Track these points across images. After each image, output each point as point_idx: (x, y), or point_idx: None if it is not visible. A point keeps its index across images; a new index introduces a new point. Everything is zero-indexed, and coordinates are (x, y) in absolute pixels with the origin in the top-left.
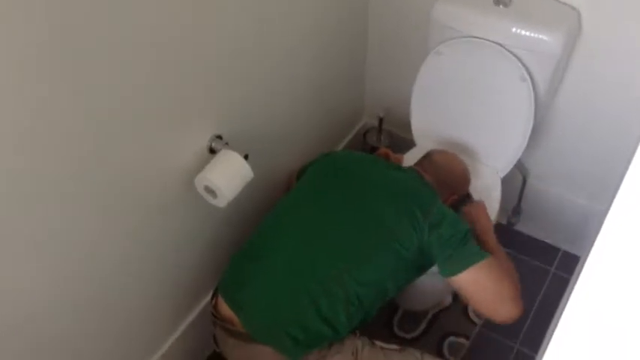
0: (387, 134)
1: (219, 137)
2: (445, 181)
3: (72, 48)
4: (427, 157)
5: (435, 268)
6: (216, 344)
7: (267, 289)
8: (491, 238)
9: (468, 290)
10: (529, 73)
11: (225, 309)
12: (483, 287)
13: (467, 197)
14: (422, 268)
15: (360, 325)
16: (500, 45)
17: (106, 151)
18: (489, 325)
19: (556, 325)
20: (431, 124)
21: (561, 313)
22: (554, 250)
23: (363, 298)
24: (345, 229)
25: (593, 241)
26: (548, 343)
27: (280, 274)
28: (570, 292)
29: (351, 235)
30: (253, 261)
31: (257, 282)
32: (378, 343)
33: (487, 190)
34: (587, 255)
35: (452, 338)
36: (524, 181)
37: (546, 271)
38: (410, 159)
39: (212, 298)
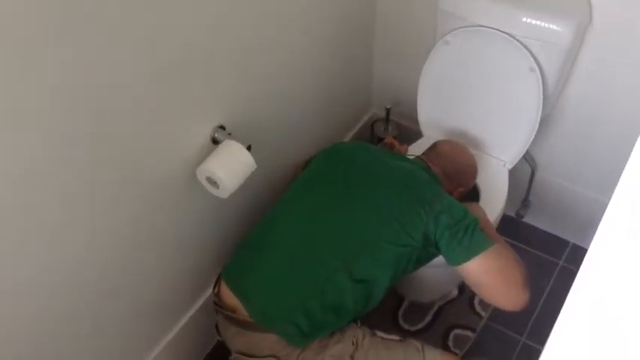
0: (394, 125)
1: (222, 127)
2: (451, 172)
3: (75, 38)
4: (434, 148)
5: (439, 260)
6: (219, 332)
7: (272, 277)
8: (492, 229)
9: (477, 278)
10: (538, 64)
11: (228, 297)
12: (493, 274)
13: (474, 189)
14: (427, 258)
15: (364, 313)
16: (510, 35)
17: (108, 142)
18: (495, 317)
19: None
20: (438, 115)
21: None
22: (564, 242)
23: (368, 284)
24: (350, 217)
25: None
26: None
27: (285, 262)
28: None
29: (356, 223)
30: (258, 249)
31: (262, 270)
32: (379, 333)
33: (495, 182)
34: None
35: (457, 331)
36: (533, 173)
37: (554, 264)
38: (416, 150)
39: (214, 287)
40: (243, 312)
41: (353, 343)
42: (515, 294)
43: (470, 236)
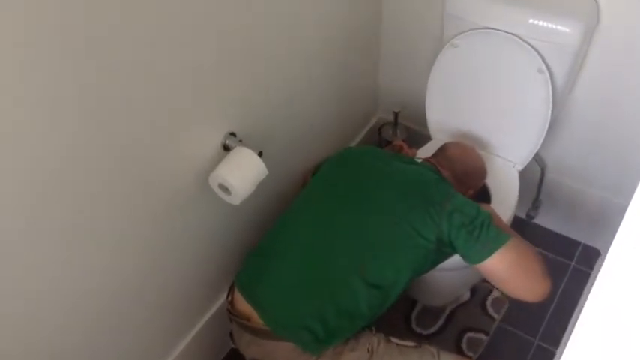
0: (403, 129)
1: (233, 134)
2: (461, 175)
3: (89, 49)
4: (442, 150)
5: (451, 263)
6: (233, 340)
7: (285, 284)
8: (504, 224)
9: (499, 273)
10: (547, 65)
11: (242, 305)
12: (514, 267)
13: (484, 192)
14: (441, 259)
15: (379, 316)
16: (517, 36)
17: (121, 152)
18: (508, 319)
19: (576, 320)
20: (447, 118)
21: (582, 308)
22: (575, 243)
23: (382, 288)
24: (361, 221)
25: (614, 236)
26: (568, 338)
27: (298, 268)
28: (591, 287)
29: (368, 227)
30: (271, 256)
31: (275, 277)
32: (394, 339)
33: (505, 184)
34: (607, 250)
35: (470, 334)
36: (543, 174)
37: (566, 265)
38: (425, 153)
39: (228, 295)
40: (257, 319)
41: (368, 350)
42: (537, 284)
43: (486, 233)
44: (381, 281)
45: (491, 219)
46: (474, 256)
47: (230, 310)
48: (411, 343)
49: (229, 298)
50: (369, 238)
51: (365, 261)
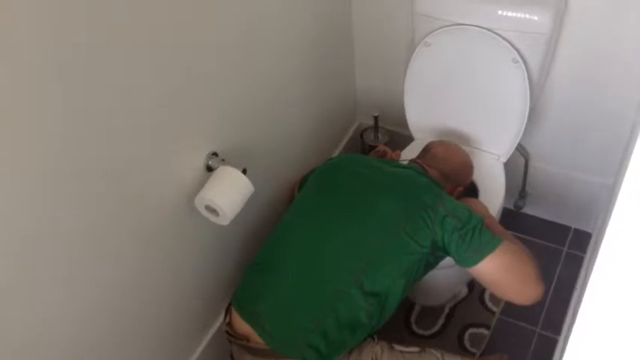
0: (384, 132)
1: (215, 154)
2: (448, 173)
3: (66, 72)
4: (427, 150)
5: (446, 262)
6: None
7: (283, 300)
8: (497, 225)
9: (491, 277)
10: (520, 55)
11: (240, 325)
12: (506, 271)
13: (472, 186)
14: (436, 262)
15: (379, 326)
16: (488, 29)
17: (103, 178)
18: (508, 311)
19: (575, 306)
20: (427, 117)
21: (580, 293)
22: (565, 229)
23: (380, 296)
24: (355, 231)
25: (607, 218)
26: (570, 325)
27: (295, 283)
28: (587, 270)
29: (362, 236)
30: (266, 273)
31: (272, 293)
32: (397, 346)
33: (491, 176)
34: (601, 232)
35: (472, 329)
36: (527, 164)
37: (559, 251)
38: (409, 154)
39: (225, 316)
40: (257, 339)
41: None
42: (529, 288)
43: (479, 237)
44: (377, 288)
45: (483, 222)
46: (466, 260)
47: (229, 332)
48: (414, 349)
49: (227, 320)
50: (364, 247)
51: (360, 270)
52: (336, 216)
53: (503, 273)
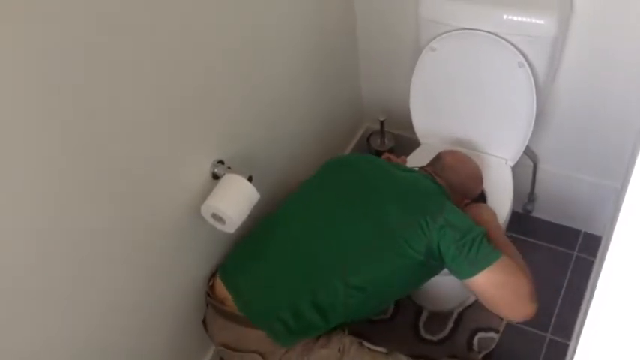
0: (390, 136)
1: (221, 162)
2: (457, 184)
3: (72, 81)
4: (438, 160)
5: None
6: (205, 327)
7: (267, 276)
8: (501, 235)
9: (484, 291)
10: (526, 59)
11: (221, 289)
12: (499, 287)
13: (480, 198)
14: (434, 270)
15: (355, 320)
16: (494, 34)
17: (109, 188)
18: None
19: (585, 310)
20: (433, 122)
21: (590, 297)
22: (575, 232)
23: (363, 292)
24: (351, 227)
25: (614, 221)
26: (580, 329)
27: (283, 264)
28: (597, 274)
29: (357, 231)
30: (258, 251)
31: (259, 270)
32: (366, 344)
33: (498, 181)
34: (609, 236)
35: (481, 334)
36: (535, 167)
37: (569, 256)
38: (415, 160)
39: (209, 279)
40: (232, 304)
41: (339, 350)
42: (521, 307)
43: (476, 250)
44: (362, 284)
45: (484, 235)
46: (460, 272)
47: (208, 293)
48: (382, 349)
49: (210, 283)
50: (357, 242)
51: (348, 263)
52: (338, 208)
53: (496, 288)
